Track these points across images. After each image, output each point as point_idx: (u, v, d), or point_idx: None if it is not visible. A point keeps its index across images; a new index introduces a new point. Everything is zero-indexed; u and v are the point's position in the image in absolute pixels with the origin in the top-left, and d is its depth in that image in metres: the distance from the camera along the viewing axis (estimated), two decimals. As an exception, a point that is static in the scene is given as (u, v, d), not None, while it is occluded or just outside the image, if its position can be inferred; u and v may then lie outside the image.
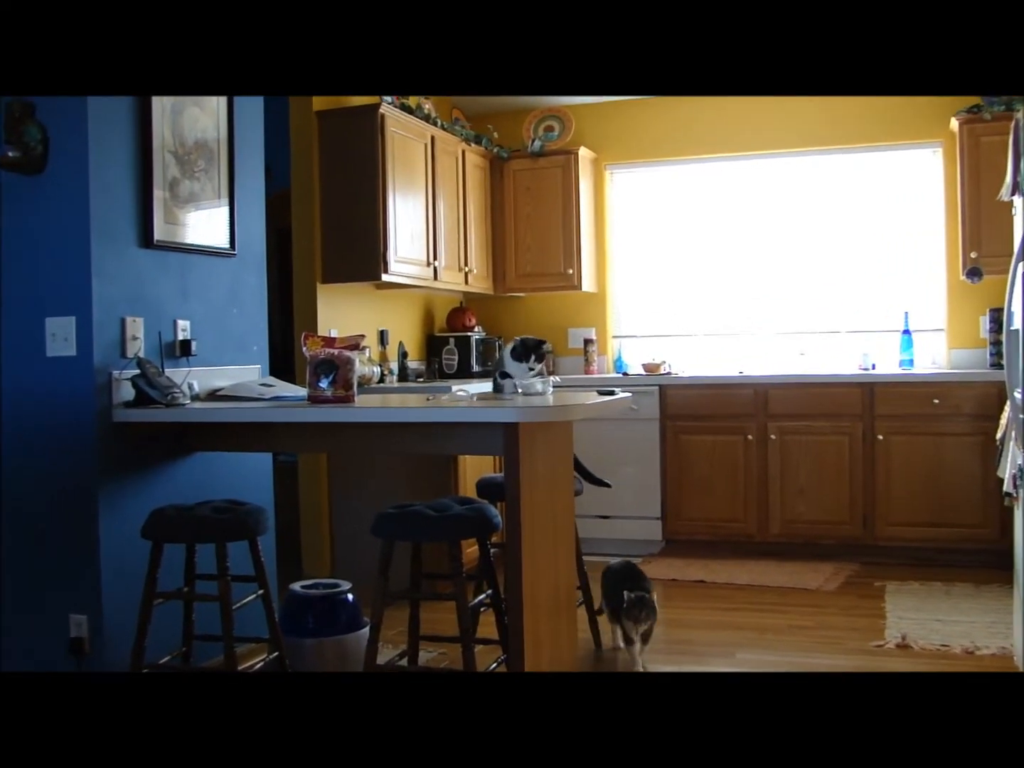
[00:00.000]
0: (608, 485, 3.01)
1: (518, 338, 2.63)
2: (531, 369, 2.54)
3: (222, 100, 2.84)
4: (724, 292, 4.86)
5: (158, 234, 2.72)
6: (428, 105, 4.29)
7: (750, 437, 4.30)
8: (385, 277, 3.83)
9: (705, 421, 4.36)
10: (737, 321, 4.85)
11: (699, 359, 4.85)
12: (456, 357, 4.63)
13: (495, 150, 4.73)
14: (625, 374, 4.72)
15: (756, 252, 4.82)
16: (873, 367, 4.47)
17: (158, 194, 2.71)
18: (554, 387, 2.68)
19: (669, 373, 4.61)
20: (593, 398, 2.59)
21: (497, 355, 2.81)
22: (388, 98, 3.89)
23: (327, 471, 3.89)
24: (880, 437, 4.16)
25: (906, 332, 4.44)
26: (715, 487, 4.37)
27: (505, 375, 2.65)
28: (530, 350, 2.59)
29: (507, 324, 5.01)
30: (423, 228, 4.12)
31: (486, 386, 3.73)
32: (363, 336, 2.68)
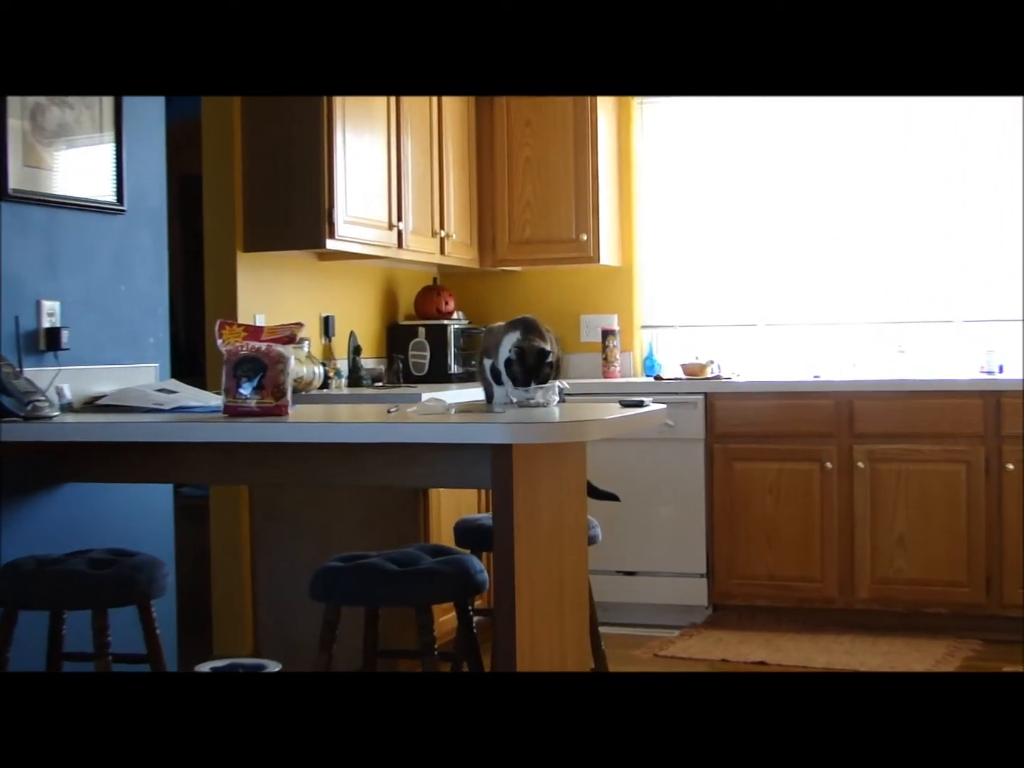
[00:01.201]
0: (616, 498, 3.04)
1: (514, 342, 2.64)
2: (530, 399, 2.58)
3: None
4: (793, 267, 4.87)
5: (14, 181, 2.70)
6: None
7: (829, 465, 4.32)
8: (331, 244, 3.84)
9: (767, 442, 4.38)
10: (811, 307, 4.84)
11: (759, 358, 4.86)
12: (427, 354, 4.65)
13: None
14: (658, 378, 4.73)
15: (837, 214, 4.81)
16: (1000, 369, 4.45)
17: (14, 125, 2.68)
18: (562, 396, 2.71)
19: (718, 377, 4.61)
20: (614, 411, 2.62)
21: (485, 349, 2.81)
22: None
23: (249, 510, 3.88)
24: (1010, 467, 4.16)
25: (1045, 323, 4.47)
26: (780, 533, 4.39)
27: (495, 375, 2.69)
28: (530, 372, 2.62)
29: (497, 309, 4.99)
30: (383, 178, 4.13)
31: (469, 393, 3.73)
32: (301, 325, 2.71)
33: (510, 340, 2.67)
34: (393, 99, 4.17)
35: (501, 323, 2.78)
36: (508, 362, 2.64)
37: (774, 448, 4.36)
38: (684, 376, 4.67)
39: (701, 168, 4.97)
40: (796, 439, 4.34)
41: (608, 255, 4.85)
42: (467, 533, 2.97)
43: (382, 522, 3.58)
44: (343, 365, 4.36)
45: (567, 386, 2.76)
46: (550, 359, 2.65)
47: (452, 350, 4.68)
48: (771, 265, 4.87)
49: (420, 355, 4.67)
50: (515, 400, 2.62)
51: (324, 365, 4.07)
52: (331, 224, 3.81)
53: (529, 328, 2.69)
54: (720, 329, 4.94)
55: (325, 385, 4.05)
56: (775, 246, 4.87)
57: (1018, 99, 4.41)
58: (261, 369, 2.50)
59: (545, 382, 2.63)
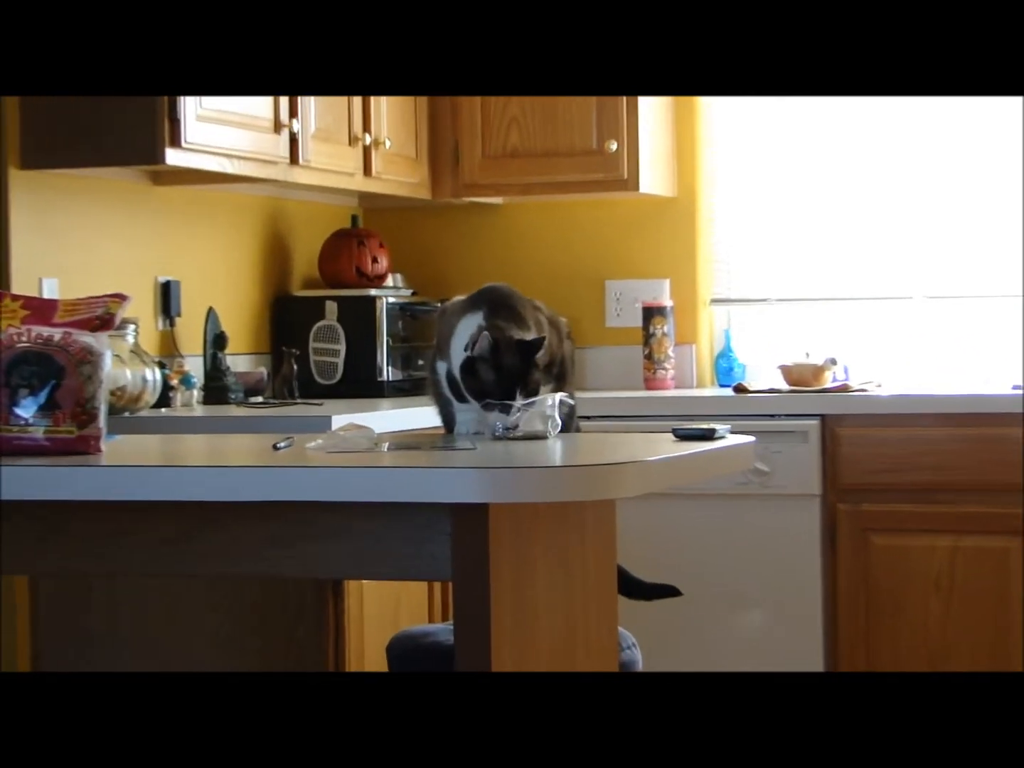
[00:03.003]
0: (677, 592, 3.06)
1: (473, 332, 2.75)
2: (512, 427, 2.69)
3: None
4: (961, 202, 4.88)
5: None
6: None
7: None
8: (173, 157, 3.85)
9: (932, 501, 4.37)
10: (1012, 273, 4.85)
11: (916, 355, 4.88)
12: (342, 347, 4.64)
13: None
14: (740, 389, 4.72)
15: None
16: None
17: None
18: (571, 419, 2.80)
19: (844, 387, 4.63)
20: (664, 447, 2.66)
21: (438, 344, 2.92)
22: None
23: (29, 614, 3.72)
24: None
25: None
26: (953, 658, 4.34)
27: (456, 386, 2.77)
28: (509, 381, 2.71)
29: (461, 270, 5.05)
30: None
31: (414, 416, 3.74)
32: (123, 298, 2.74)
33: (467, 327, 2.74)
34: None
35: (461, 297, 2.86)
36: (466, 366, 2.72)
37: (944, 511, 4.35)
38: (786, 387, 4.66)
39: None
40: (985, 496, 4.32)
41: (653, 178, 4.85)
42: (409, 658, 2.92)
43: (262, 634, 3.46)
44: (195, 367, 4.39)
45: (572, 403, 2.79)
46: (540, 355, 2.73)
47: (384, 341, 4.67)
48: (926, 203, 4.92)
49: (329, 350, 4.67)
50: (496, 429, 2.69)
51: (163, 367, 4.10)
52: (174, 123, 3.80)
53: (498, 305, 2.79)
54: (847, 306, 4.96)
55: (164, 401, 4.08)
56: (932, 177, 4.93)
57: None
58: (53, 374, 2.53)
59: (534, 394, 2.70)
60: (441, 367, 2.82)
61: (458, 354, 2.75)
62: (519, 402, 2.67)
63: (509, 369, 2.70)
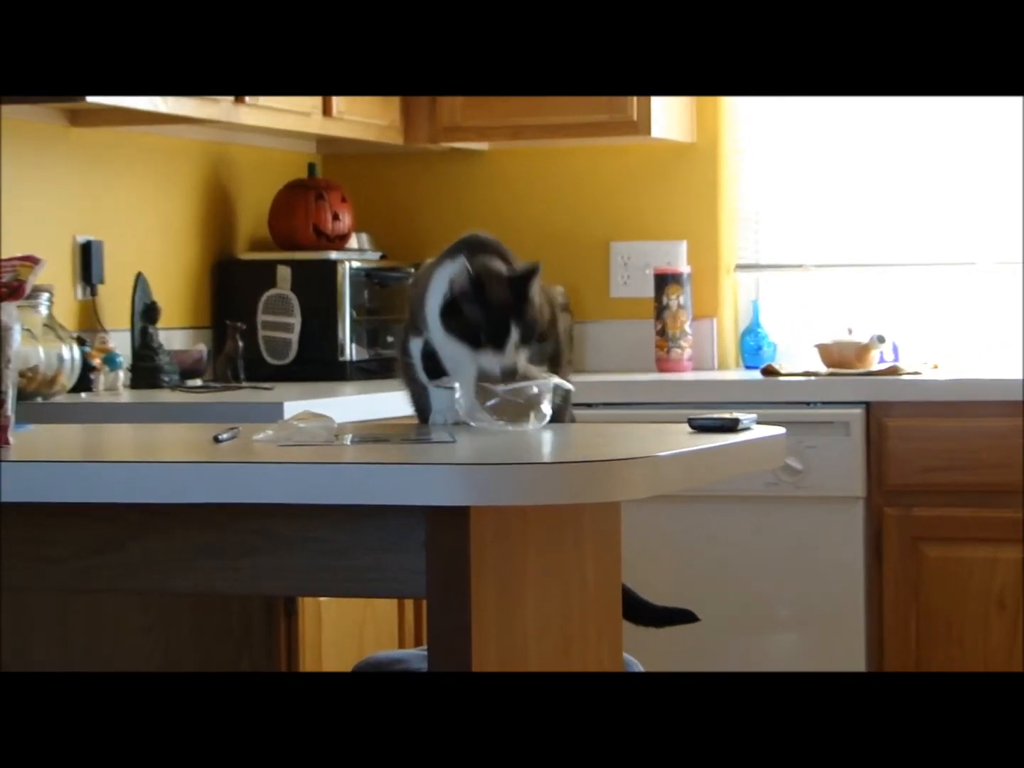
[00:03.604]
0: (693, 617, 3.08)
1: (465, 267, 2.79)
2: (505, 367, 2.74)
3: None
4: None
5: None
6: None
7: None
8: (96, 95, 3.87)
9: (996, 506, 4.38)
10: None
11: (979, 333, 4.90)
12: (297, 321, 4.67)
13: None
14: (770, 371, 4.77)
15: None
16: None
17: None
18: (565, 406, 2.85)
19: (893, 369, 4.67)
20: (679, 440, 2.70)
21: (412, 315, 2.96)
22: None
23: None
24: None
25: None
26: None
27: (432, 363, 2.82)
28: (503, 314, 2.77)
29: (439, 229, 5.00)
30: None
31: (381, 402, 3.82)
32: (35, 261, 2.81)
33: (443, 277, 2.78)
34: None
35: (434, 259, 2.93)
36: (447, 309, 2.75)
37: (1009, 517, 4.37)
38: (824, 369, 4.69)
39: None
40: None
41: (667, 120, 4.89)
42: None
43: (201, 661, 3.49)
44: (121, 343, 4.42)
45: (571, 388, 2.84)
46: (534, 288, 2.78)
47: (347, 314, 4.72)
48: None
49: (281, 324, 4.70)
50: (492, 370, 2.72)
51: (82, 344, 4.14)
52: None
53: (480, 247, 2.83)
54: (897, 273, 5.00)
55: (84, 384, 4.12)
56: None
57: None
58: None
59: (531, 334, 2.75)
60: (415, 346, 2.84)
61: (435, 317, 2.76)
62: (510, 348, 2.69)
63: (499, 303, 2.73)
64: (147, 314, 4.37)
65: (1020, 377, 4.42)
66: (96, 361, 4.14)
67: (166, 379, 4.32)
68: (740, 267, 5.05)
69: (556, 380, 2.72)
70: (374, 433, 2.81)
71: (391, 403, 3.55)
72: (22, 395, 2.81)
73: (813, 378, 4.59)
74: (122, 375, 4.26)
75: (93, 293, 4.36)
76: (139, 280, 4.41)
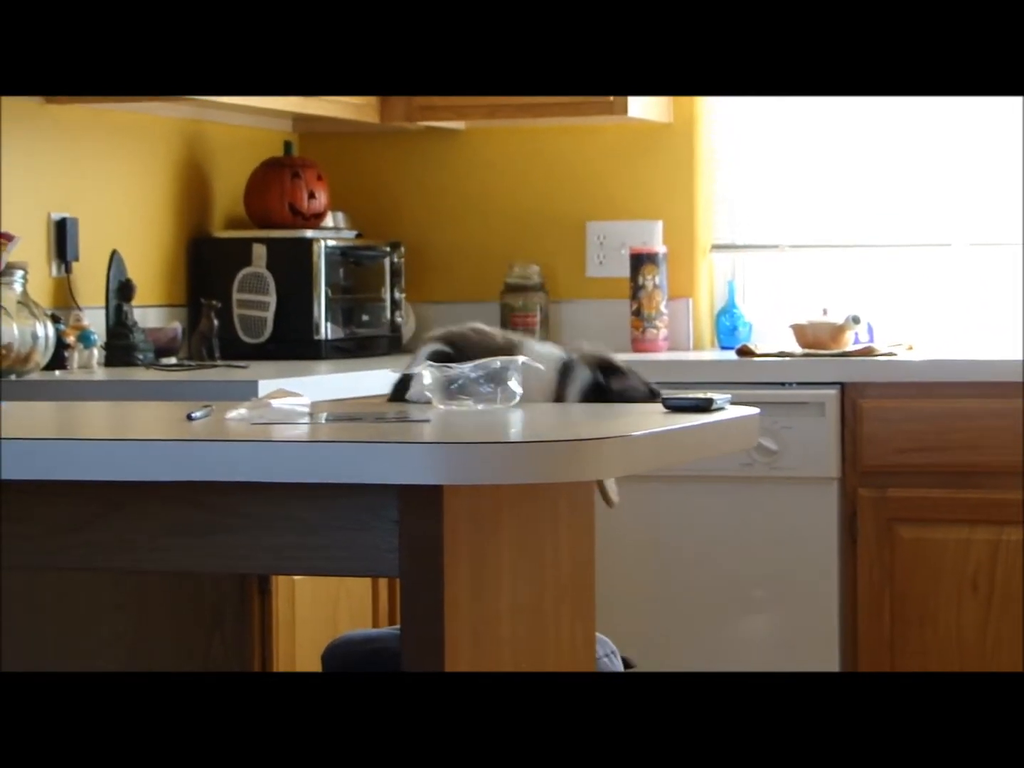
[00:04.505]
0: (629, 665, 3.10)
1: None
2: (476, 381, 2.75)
3: None
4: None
5: None
6: None
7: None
8: (67, 95, 4.00)
9: (972, 487, 4.38)
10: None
11: (955, 312, 4.92)
12: (272, 299, 4.68)
13: None
14: (745, 351, 4.78)
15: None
16: None
17: None
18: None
19: (868, 350, 4.68)
20: (653, 420, 2.70)
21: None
22: None
23: None
24: None
25: None
26: (997, 665, 4.40)
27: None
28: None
29: (415, 209, 5.15)
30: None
31: (359, 380, 3.80)
32: (9, 238, 2.98)
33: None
34: None
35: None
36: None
37: (984, 498, 4.39)
38: (799, 350, 4.71)
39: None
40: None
41: (644, 102, 4.89)
42: (348, 668, 2.97)
43: (174, 640, 3.49)
44: (96, 321, 4.42)
45: (541, 369, 2.85)
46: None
47: (323, 293, 4.71)
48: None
49: (256, 302, 4.69)
50: (448, 391, 2.71)
51: (57, 321, 4.14)
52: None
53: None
54: (873, 254, 5.00)
55: (59, 362, 4.12)
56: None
57: None
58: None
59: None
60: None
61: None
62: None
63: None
64: (122, 292, 4.37)
65: (995, 358, 4.44)
66: (70, 339, 4.14)
67: (141, 357, 4.32)
68: (716, 247, 5.06)
69: (524, 359, 2.73)
70: (347, 411, 2.81)
71: (366, 381, 3.58)
72: (-2, 372, 2.78)
73: (788, 359, 4.60)
74: (96, 353, 4.27)
75: (68, 270, 4.36)
76: (114, 257, 4.41)
